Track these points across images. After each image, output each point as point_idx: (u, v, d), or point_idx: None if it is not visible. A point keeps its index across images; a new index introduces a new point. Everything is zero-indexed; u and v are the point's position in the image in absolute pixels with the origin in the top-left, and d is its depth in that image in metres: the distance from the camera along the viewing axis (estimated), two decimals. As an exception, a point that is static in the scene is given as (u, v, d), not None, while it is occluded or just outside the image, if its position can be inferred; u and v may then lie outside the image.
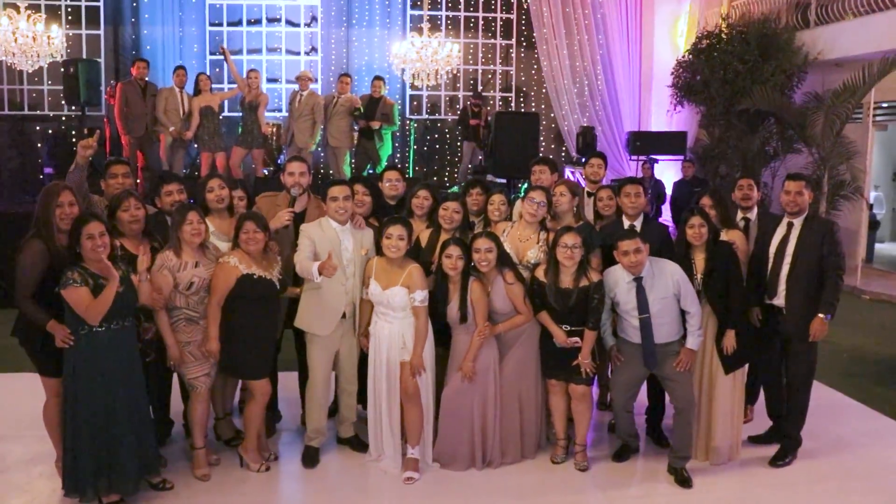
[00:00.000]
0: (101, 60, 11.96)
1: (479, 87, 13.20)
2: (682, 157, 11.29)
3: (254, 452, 4.64)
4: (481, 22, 13.50)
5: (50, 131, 12.21)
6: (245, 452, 4.65)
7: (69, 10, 12.26)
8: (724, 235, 4.99)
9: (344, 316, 4.69)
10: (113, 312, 3.88)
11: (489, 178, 10.10)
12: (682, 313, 4.70)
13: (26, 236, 4.08)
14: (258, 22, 12.75)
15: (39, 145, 12.07)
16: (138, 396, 4.11)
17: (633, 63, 13.25)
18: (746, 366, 4.96)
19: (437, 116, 13.50)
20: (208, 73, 11.11)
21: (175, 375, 4.81)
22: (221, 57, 12.47)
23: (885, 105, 11.33)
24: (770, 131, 11.31)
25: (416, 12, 13.09)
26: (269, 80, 12.55)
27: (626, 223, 5.21)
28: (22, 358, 4.40)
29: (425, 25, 10.53)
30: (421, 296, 4.50)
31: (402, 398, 4.61)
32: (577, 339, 4.65)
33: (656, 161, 11.13)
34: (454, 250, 4.53)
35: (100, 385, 3.91)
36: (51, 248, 4.01)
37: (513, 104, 13.63)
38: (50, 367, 4.16)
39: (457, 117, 12.81)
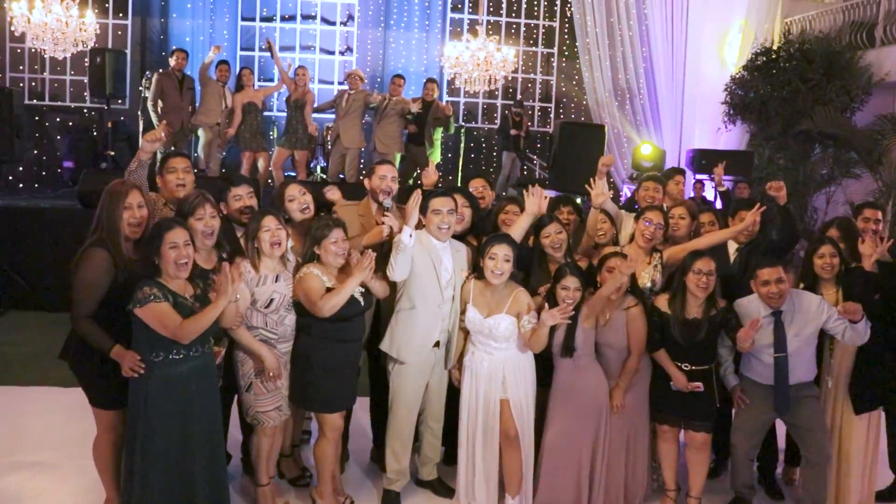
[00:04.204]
0: (128, 52, 11.41)
1: (519, 96, 12.68)
2: (743, 179, 10.75)
3: (329, 497, 4.05)
4: (523, 29, 12.97)
5: (71, 123, 11.61)
6: (319, 497, 4.06)
7: (95, -2, 11.68)
8: None
9: (437, 345, 4.13)
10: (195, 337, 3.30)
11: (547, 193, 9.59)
12: (818, 352, 4.19)
13: (86, 244, 3.47)
14: (293, 18, 12.19)
15: (59, 138, 11.46)
16: (215, 430, 3.53)
17: (677, 77, 12.72)
18: (883, 414, 4.41)
19: (472, 124, 12.95)
20: (238, 69, 10.57)
21: (235, 403, 4.23)
22: (251, 53, 12.03)
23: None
24: (827, 154, 10.80)
25: (457, 15, 12.57)
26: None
27: (732, 248, 4.72)
28: (45, 368, 3.76)
29: (482, 28, 9.97)
30: (532, 319, 3.94)
31: (502, 441, 4.03)
32: (699, 384, 4.10)
33: (711, 179, 10.55)
34: (572, 282, 3.96)
35: (177, 420, 3.31)
36: (117, 259, 3.42)
37: (552, 115, 13.11)
38: (105, 398, 3.58)
39: (495, 126, 12.29)
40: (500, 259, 3.93)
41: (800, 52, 10.68)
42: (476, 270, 4.12)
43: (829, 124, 10.02)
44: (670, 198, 5.31)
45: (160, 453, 3.30)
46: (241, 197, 4.20)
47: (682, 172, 5.81)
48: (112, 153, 10.02)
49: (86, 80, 10.73)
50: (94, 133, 11.32)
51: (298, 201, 4.19)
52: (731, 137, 11.94)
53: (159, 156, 8.88)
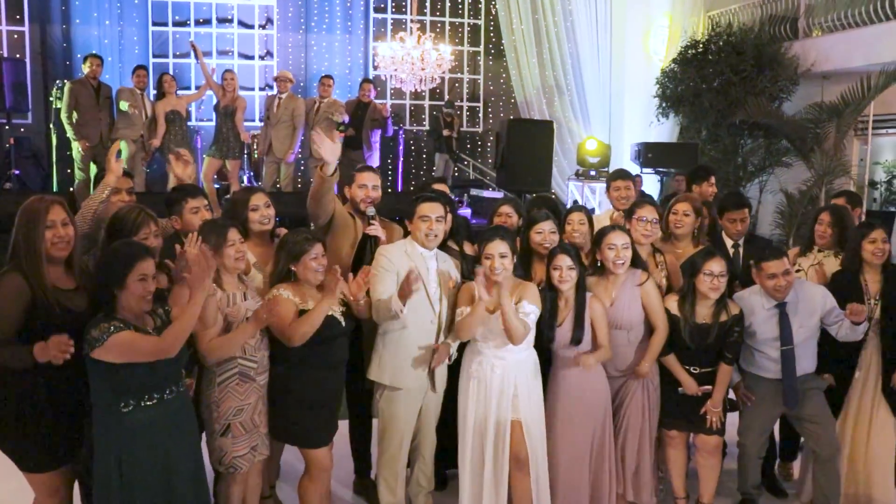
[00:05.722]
0: (27, 61, 10.52)
1: (447, 96, 12.40)
2: (682, 172, 10.76)
3: (317, 542, 3.59)
4: (448, 28, 12.68)
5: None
6: (306, 542, 3.60)
7: (-14, 4, 10.72)
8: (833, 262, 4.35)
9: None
10: (166, 376, 2.82)
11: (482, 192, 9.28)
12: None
13: (2, 270, 2.93)
14: (208, 22, 11.53)
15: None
16: (200, 479, 3.05)
17: (604, 73, 12.71)
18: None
19: (401, 127, 12.58)
20: (152, 76, 9.89)
21: (203, 441, 3.72)
22: (165, 59, 11.31)
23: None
24: (759, 144, 10.95)
25: (380, 16, 12.18)
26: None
27: (729, 243, 4.55)
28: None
29: (408, 27, 9.61)
30: (530, 308, 3.60)
31: (511, 465, 3.67)
32: (709, 387, 3.89)
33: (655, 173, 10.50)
34: (563, 260, 3.70)
35: (159, 476, 2.81)
36: (34, 285, 2.86)
37: (480, 114, 12.89)
38: (37, 460, 2.99)
39: (423, 128, 11.97)
40: (495, 258, 3.60)
41: (729, 45, 10.78)
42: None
43: (762, 114, 10.12)
44: (703, 198, 5.06)
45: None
46: (199, 209, 3.78)
47: (712, 172, 5.48)
48: (16, 172, 9.18)
49: (-21, 93, 9.82)
50: (-5, 149, 10.39)
51: (262, 213, 3.79)
52: (663, 130, 11.98)
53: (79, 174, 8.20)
